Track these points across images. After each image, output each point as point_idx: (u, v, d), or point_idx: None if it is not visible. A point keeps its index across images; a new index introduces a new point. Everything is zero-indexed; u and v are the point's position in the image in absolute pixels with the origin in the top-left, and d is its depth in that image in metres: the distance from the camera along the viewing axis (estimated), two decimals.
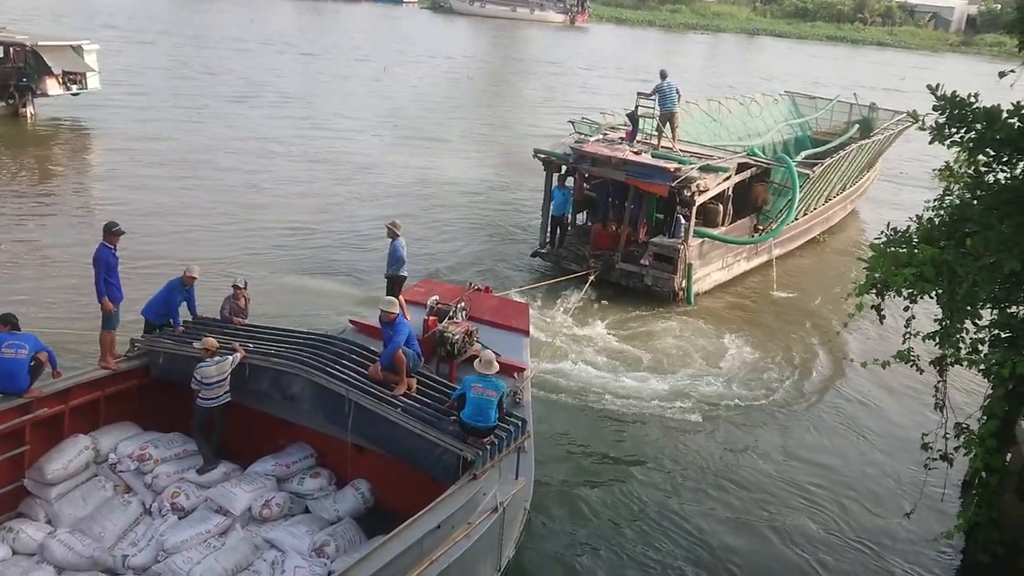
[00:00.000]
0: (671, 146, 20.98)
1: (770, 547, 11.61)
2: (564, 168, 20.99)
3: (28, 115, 31.77)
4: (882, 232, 9.97)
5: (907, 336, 9.69)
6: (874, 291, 9.32)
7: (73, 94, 32.80)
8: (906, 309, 9.65)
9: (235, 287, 12.17)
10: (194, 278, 11.44)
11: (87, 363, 11.01)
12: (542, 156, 21.08)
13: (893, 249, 9.34)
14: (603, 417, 14.51)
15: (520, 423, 10.13)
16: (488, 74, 56.92)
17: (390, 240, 13.63)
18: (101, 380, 10.72)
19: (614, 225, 20.92)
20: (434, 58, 60.84)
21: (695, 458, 13.56)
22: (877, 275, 9.13)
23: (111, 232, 10.75)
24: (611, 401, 14.93)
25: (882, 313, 9.77)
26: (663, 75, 21.11)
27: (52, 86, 32.03)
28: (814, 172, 21.19)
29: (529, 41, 79.63)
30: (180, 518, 10.02)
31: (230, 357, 10.41)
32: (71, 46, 32.90)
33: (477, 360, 10.13)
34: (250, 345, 10.88)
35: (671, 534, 11.67)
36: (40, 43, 31.67)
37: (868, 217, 28.64)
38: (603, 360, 16.56)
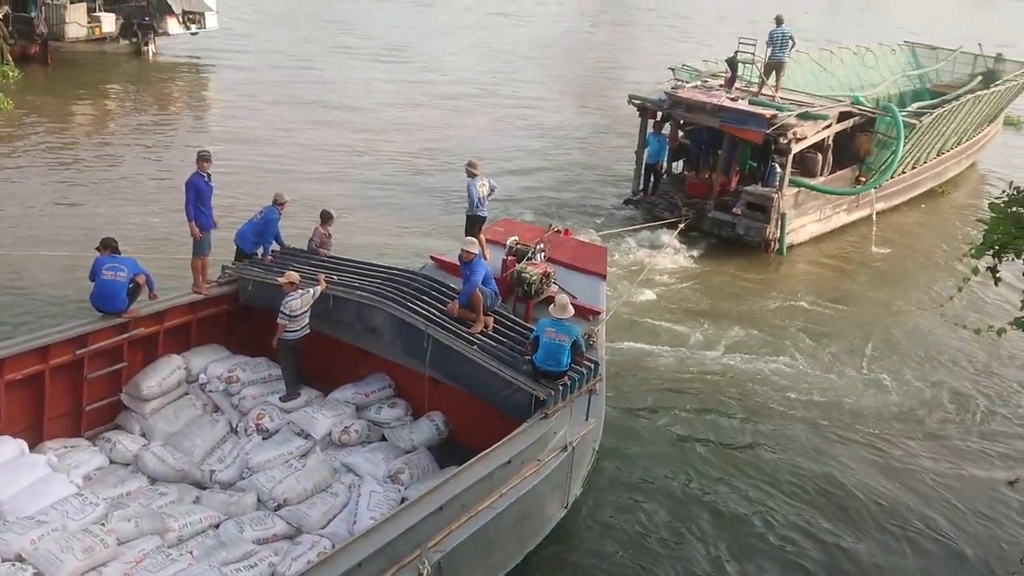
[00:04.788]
0: (773, 95, 20.38)
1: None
2: (659, 114, 20.66)
3: (149, 53, 32.92)
4: (1003, 191, 9.19)
5: None
6: (990, 253, 8.71)
7: (192, 33, 34.05)
8: None
9: (325, 216, 12.20)
10: (283, 204, 11.72)
11: (182, 288, 11.54)
12: (636, 102, 20.78)
13: (1016, 210, 8.71)
14: (676, 367, 14.33)
15: (593, 365, 10.18)
16: (610, 23, 55.95)
17: (468, 179, 13.62)
18: (193, 304, 11.24)
19: (708, 173, 20.57)
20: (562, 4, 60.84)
21: (765, 410, 13.31)
22: (996, 237, 8.57)
23: (202, 159, 11.16)
24: (686, 352, 14.76)
25: (998, 276, 8.98)
26: (778, 21, 20.50)
27: (172, 25, 33.25)
28: (922, 122, 20.25)
29: None
30: (264, 439, 10.50)
31: (311, 290, 10.69)
32: None
33: (552, 304, 10.19)
34: (335, 277, 11.18)
35: (731, 484, 11.61)
36: None
37: (989, 172, 27.46)
38: (683, 308, 16.40)
